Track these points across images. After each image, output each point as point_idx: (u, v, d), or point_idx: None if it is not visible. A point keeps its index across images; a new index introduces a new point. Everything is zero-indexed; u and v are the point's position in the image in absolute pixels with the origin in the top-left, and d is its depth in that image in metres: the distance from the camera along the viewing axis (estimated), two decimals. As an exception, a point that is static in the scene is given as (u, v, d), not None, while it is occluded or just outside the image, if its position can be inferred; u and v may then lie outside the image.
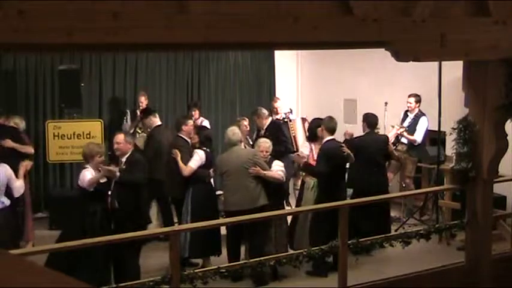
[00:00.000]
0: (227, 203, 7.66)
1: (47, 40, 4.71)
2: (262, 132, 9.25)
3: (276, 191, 7.62)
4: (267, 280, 7.27)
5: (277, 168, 7.60)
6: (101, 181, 6.92)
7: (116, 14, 4.74)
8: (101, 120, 10.04)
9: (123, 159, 7.28)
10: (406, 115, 9.94)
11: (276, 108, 10.55)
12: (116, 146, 7.32)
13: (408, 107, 9.87)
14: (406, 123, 9.84)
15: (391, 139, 9.73)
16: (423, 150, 9.75)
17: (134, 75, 11.13)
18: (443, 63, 8.38)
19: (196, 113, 10.38)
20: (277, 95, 12.01)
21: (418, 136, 9.71)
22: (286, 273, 7.43)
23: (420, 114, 9.81)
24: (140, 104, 10.31)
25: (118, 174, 7.02)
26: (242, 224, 7.30)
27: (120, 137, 7.35)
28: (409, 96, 9.85)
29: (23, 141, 8.72)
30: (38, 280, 1.55)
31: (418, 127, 9.73)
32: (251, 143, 9.03)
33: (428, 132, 9.78)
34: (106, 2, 4.78)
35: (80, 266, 6.41)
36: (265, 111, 9.56)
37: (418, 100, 9.82)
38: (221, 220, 7.77)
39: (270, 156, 7.74)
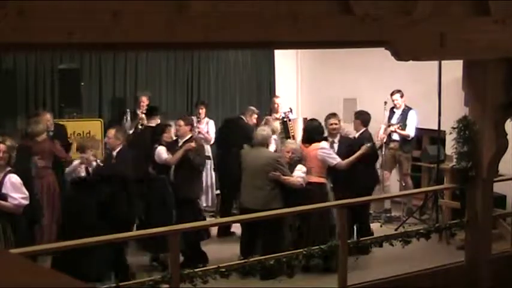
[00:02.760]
0: (242, 199, 7.91)
1: (47, 40, 4.71)
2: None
3: (295, 195, 7.58)
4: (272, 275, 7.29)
5: (298, 174, 7.62)
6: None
7: (116, 13, 4.74)
8: (100, 119, 10.05)
9: (114, 154, 7.77)
10: (392, 112, 9.97)
11: (277, 105, 10.57)
12: (106, 139, 7.80)
13: (395, 104, 9.91)
14: (394, 120, 9.86)
15: (383, 137, 9.72)
16: (414, 145, 9.83)
17: (134, 75, 11.12)
18: (443, 62, 8.38)
19: (202, 112, 10.41)
20: (277, 94, 12.02)
21: (411, 131, 9.76)
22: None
23: (407, 108, 9.87)
24: (142, 104, 10.33)
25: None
26: (256, 224, 7.43)
27: (111, 132, 7.85)
28: (393, 93, 9.89)
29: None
30: (38, 280, 1.55)
31: (408, 122, 9.77)
32: None
33: (428, 131, 9.80)
34: (106, 2, 4.78)
35: None
36: (254, 109, 9.71)
37: (402, 95, 9.89)
38: (225, 218, 7.81)
39: (296, 159, 7.77)
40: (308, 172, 7.81)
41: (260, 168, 7.62)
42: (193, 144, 7.98)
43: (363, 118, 8.78)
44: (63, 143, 8.73)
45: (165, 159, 8.03)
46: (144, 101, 10.39)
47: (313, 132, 8.11)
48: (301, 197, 7.45)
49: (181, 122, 8.43)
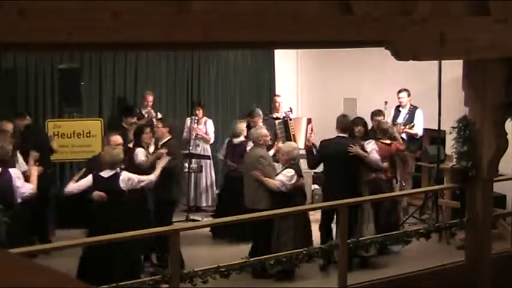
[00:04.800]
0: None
1: (47, 39, 4.71)
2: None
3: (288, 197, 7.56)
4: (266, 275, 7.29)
5: (279, 177, 7.56)
6: None
7: (115, 13, 4.74)
8: (100, 119, 10.05)
9: None
10: (398, 111, 9.95)
11: (279, 104, 10.54)
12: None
13: (401, 102, 9.90)
14: (400, 119, 9.84)
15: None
16: (422, 145, 9.82)
17: (134, 75, 11.12)
18: (443, 62, 8.38)
19: (200, 113, 10.42)
20: (278, 93, 12.04)
21: (419, 129, 9.75)
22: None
23: (414, 107, 9.85)
24: (146, 103, 10.39)
25: None
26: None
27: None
28: (400, 91, 9.89)
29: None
30: (38, 280, 1.55)
31: (416, 121, 9.75)
32: None
33: (428, 131, 9.79)
34: (106, 2, 4.78)
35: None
36: (260, 111, 9.62)
37: (409, 94, 9.87)
38: (225, 218, 7.80)
39: (292, 162, 7.68)
40: None
41: (247, 167, 7.82)
42: (162, 151, 7.93)
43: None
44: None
45: (138, 162, 7.85)
46: (150, 99, 10.43)
47: None
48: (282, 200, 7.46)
49: (159, 124, 8.45)
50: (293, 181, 7.50)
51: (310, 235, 7.63)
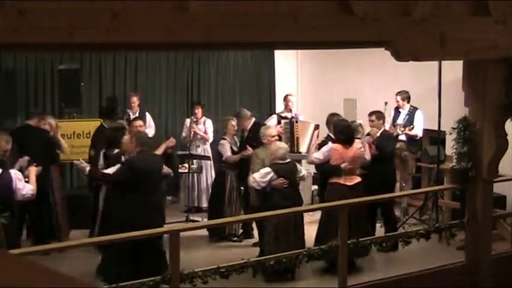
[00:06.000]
0: None
1: (47, 39, 4.72)
2: (246, 133, 9.24)
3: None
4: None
5: (254, 174, 7.56)
6: None
7: (115, 13, 4.74)
8: (100, 119, 10.04)
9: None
10: (398, 112, 9.95)
11: (292, 103, 10.45)
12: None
13: (397, 104, 9.91)
14: (400, 120, 9.83)
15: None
16: (422, 146, 9.82)
17: (134, 75, 11.13)
18: (443, 62, 8.38)
19: (199, 112, 10.39)
20: (277, 94, 12.02)
21: (419, 131, 9.75)
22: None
23: (414, 109, 9.84)
24: (132, 105, 10.34)
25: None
26: None
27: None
28: (396, 94, 9.91)
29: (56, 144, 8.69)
30: (38, 280, 1.55)
31: (416, 122, 9.75)
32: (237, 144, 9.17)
33: (428, 131, 9.79)
34: (106, 2, 4.79)
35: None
36: (247, 112, 9.50)
37: (406, 97, 9.87)
38: (227, 219, 7.86)
39: (276, 161, 7.65)
40: None
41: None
42: (173, 140, 8.19)
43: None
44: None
45: None
46: (135, 101, 10.38)
47: None
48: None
49: (141, 122, 8.49)
50: (266, 179, 7.40)
51: (302, 236, 7.59)
